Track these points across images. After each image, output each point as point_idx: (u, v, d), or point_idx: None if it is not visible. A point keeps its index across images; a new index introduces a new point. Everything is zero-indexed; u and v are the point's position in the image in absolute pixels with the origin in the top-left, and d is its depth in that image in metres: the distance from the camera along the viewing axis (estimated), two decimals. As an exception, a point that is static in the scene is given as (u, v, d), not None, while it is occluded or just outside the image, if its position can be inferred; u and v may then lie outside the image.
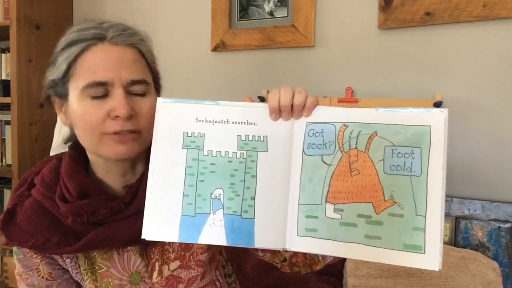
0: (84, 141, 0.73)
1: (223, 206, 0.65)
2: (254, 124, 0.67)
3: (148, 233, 0.65)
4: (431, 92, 1.43)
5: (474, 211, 1.35)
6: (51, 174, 0.77)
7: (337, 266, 1.40)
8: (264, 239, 0.65)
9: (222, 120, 0.67)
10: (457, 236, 1.37)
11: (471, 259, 1.26)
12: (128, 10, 1.97)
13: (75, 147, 0.78)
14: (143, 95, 0.73)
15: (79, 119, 0.71)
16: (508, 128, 1.36)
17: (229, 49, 1.74)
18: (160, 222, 0.66)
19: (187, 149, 0.67)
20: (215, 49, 1.76)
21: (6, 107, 1.95)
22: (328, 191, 0.64)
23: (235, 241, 0.65)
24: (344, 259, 1.37)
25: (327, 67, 1.60)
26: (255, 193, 0.66)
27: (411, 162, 0.60)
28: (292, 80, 1.66)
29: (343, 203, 0.62)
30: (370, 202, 0.61)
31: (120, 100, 0.69)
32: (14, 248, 0.79)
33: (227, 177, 0.66)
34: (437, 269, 0.56)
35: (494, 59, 1.36)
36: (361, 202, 0.62)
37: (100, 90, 0.69)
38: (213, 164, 0.66)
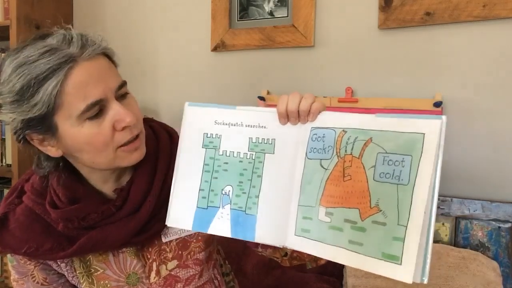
0: (96, 162, 0.72)
1: (231, 201, 0.71)
2: (265, 128, 0.71)
3: (169, 220, 0.72)
4: (431, 92, 1.43)
5: (474, 211, 1.35)
6: (41, 180, 0.77)
7: (337, 266, 1.40)
8: (264, 234, 0.68)
9: (237, 123, 0.72)
10: (457, 236, 1.37)
11: (471, 259, 1.26)
12: (128, 10, 1.97)
13: (61, 167, 0.76)
14: (127, 96, 0.74)
15: (87, 144, 0.69)
16: (508, 128, 1.36)
17: (229, 49, 1.74)
18: (179, 212, 0.72)
19: (206, 148, 0.73)
20: (215, 49, 1.76)
21: (6, 107, 1.94)
22: (322, 194, 0.65)
23: (238, 234, 0.70)
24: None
25: (327, 67, 1.60)
26: (259, 191, 0.70)
27: (400, 170, 0.58)
28: (292, 80, 1.66)
29: (334, 207, 0.63)
30: (357, 208, 0.61)
31: (122, 110, 0.69)
32: (8, 256, 0.79)
33: (237, 176, 0.71)
34: (410, 282, 0.54)
35: (494, 59, 1.36)
36: (349, 208, 0.62)
37: (96, 109, 0.67)
38: (226, 163, 0.72)
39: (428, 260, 0.55)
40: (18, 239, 0.74)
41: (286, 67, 1.67)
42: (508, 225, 1.31)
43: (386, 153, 0.60)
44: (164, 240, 0.80)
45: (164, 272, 0.80)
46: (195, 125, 0.74)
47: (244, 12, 1.73)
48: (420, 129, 0.58)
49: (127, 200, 0.74)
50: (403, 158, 0.58)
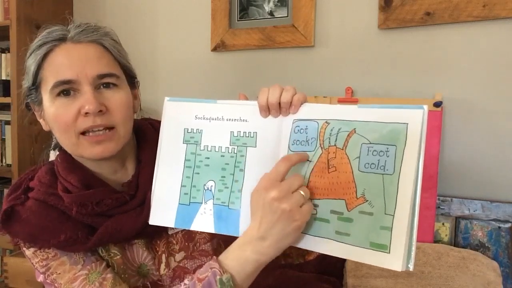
0: (63, 143, 0.74)
1: (213, 196, 0.70)
2: (246, 121, 0.71)
3: (152, 218, 0.72)
4: (431, 92, 1.43)
5: (474, 211, 1.35)
6: (48, 175, 0.77)
7: (337, 266, 1.40)
8: None
9: (217, 117, 0.72)
10: (457, 236, 1.37)
11: (471, 259, 1.26)
12: (128, 10, 1.97)
13: (65, 151, 0.78)
14: (113, 88, 0.73)
15: (54, 121, 0.72)
16: (508, 128, 1.36)
17: (229, 49, 1.74)
18: (161, 209, 0.72)
19: (186, 144, 0.73)
20: (215, 49, 1.76)
21: (6, 107, 1.95)
22: (307, 186, 0.64)
23: (221, 229, 0.69)
24: (344, 259, 1.37)
25: (327, 67, 1.60)
26: (242, 186, 0.69)
27: (385, 160, 0.58)
28: (292, 80, 1.66)
29: (319, 199, 0.63)
30: (343, 199, 0.61)
31: (88, 96, 0.69)
32: (29, 252, 0.74)
33: (219, 170, 0.70)
34: (400, 270, 0.55)
35: (494, 59, 1.36)
36: (335, 199, 0.62)
37: (65, 88, 0.70)
38: (208, 158, 0.71)
39: (413, 248, 0.55)
40: (35, 227, 0.72)
41: (286, 67, 1.67)
42: (508, 225, 1.31)
43: (370, 143, 0.60)
44: (169, 232, 0.80)
45: (173, 264, 0.80)
46: (175, 120, 0.73)
47: (244, 12, 1.73)
48: (403, 119, 0.58)
49: (138, 190, 0.75)
50: (387, 148, 0.58)
